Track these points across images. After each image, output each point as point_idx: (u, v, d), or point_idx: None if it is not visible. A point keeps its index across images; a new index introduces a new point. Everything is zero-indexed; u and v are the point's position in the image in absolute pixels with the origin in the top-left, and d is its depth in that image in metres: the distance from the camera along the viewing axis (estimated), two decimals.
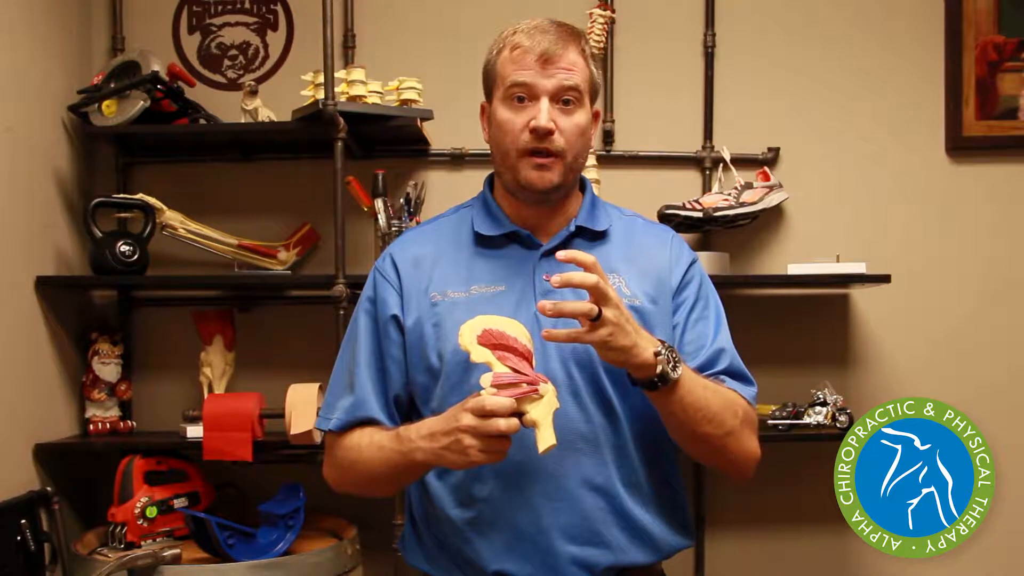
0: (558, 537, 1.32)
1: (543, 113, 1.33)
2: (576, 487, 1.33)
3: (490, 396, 1.19)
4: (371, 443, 1.36)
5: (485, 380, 1.21)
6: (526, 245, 1.41)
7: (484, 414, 1.19)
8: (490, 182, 1.48)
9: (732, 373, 1.40)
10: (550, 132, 1.33)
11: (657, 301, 1.40)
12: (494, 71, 1.40)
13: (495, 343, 1.23)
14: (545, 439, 1.19)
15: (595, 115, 1.43)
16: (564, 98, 1.35)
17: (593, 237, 1.43)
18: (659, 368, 1.24)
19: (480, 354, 1.22)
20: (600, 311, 1.19)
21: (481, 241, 1.43)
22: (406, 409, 1.42)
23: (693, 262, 1.46)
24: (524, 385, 1.20)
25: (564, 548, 1.32)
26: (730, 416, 1.34)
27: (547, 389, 1.22)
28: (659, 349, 1.24)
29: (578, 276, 1.18)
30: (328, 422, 1.42)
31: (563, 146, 1.35)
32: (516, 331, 1.25)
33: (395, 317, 1.41)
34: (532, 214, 1.42)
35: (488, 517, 1.34)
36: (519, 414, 1.20)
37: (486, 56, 1.42)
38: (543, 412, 1.20)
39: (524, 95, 1.35)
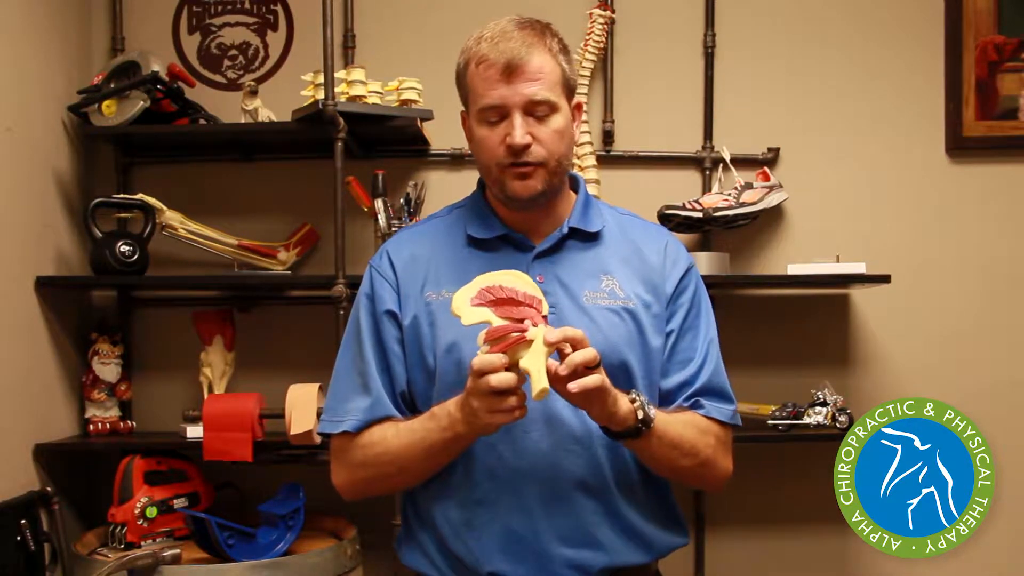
0: (552, 539, 1.32)
1: (517, 130, 1.31)
2: (570, 489, 1.33)
3: (480, 356, 1.19)
4: (399, 431, 1.34)
5: (480, 339, 1.20)
6: (519, 247, 1.41)
7: (476, 374, 1.19)
8: (482, 184, 1.47)
9: (712, 390, 1.41)
10: (527, 146, 1.32)
11: (651, 305, 1.40)
12: (464, 84, 1.38)
13: (494, 299, 1.22)
14: (536, 383, 1.16)
15: (576, 107, 1.41)
16: (536, 112, 1.33)
17: (586, 238, 1.43)
18: (640, 414, 1.27)
19: (472, 315, 1.21)
20: (599, 360, 1.21)
21: (474, 243, 1.42)
22: (409, 406, 1.42)
23: (690, 267, 1.46)
24: (513, 334, 1.18)
25: (558, 550, 1.32)
26: (704, 446, 1.37)
27: (536, 332, 1.19)
28: (632, 396, 1.28)
29: (571, 331, 1.20)
30: (341, 424, 1.38)
31: (543, 156, 1.34)
32: (514, 281, 1.24)
33: (393, 313, 1.40)
34: (524, 217, 1.41)
35: (483, 519, 1.34)
36: (517, 366, 1.19)
37: (456, 68, 1.39)
38: (532, 358, 1.17)
39: (496, 115, 1.34)
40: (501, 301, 1.22)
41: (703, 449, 1.36)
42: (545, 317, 1.23)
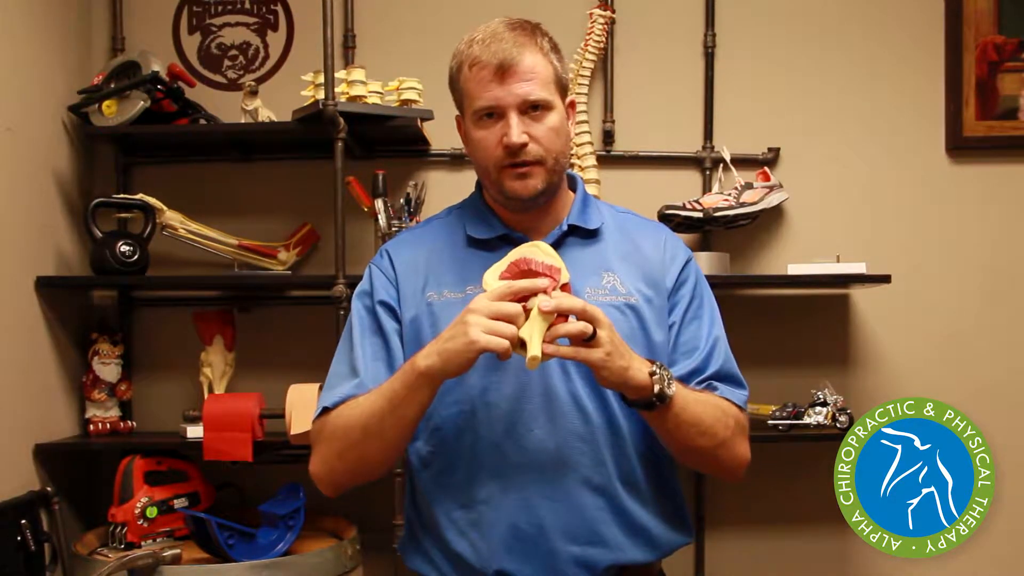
0: (558, 537, 1.32)
1: (513, 129, 1.32)
2: (575, 487, 1.33)
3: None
4: (369, 393, 1.32)
5: None
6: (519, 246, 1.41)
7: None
8: (480, 185, 1.48)
9: (724, 376, 1.40)
10: (524, 145, 1.32)
11: (652, 300, 1.40)
12: (458, 88, 1.39)
13: (520, 272, 1.23)
14: (528, 351, 1.17)
15: (570, 105, 1.42)
16: (531, 112, 1.33)
17: (586, 235, 1.43)
18: (656, 388, 1.25)
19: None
20: (595, 331, 1.20)
21: (474, 243, 1.43)
22: None
23: (688, 260, 1.46)
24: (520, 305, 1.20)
25: (564, 548, 1.32)
26: (722, 428, 1.36)
27: (533, 303, 1.19)
28: (653, 369, 1.26)
29: (567, 303, 1.19)
30: (322, 405, 1.37)
31: (541, 153, 1.34)
32: (534, 252, 1.25)
33: (390, 305, 1.41)
34: (524, 217, 1.42)
35: (488, 518, 1.34)
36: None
37: (448, 71, 1.40)
38: (528, 326, 1.18)
39: (491, 116, 1.34)
40: (522, 273, 1.23)
41: (721, 431, 1.35)
42: (566, 286, 1.23)
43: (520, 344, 1.18)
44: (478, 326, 1.18)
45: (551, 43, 1.38)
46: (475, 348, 1.18)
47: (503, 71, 1.32)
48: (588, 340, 1.20)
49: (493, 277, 1.25)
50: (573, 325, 1.20)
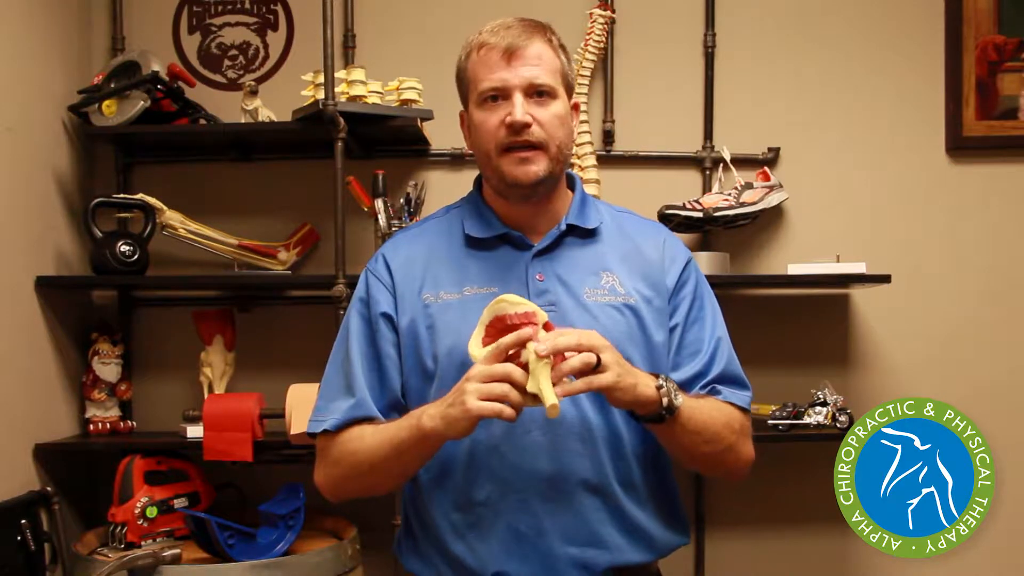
0: (557, 539, 1.32)
1: (517, 107, 1.33)
2: (574, 488, 1.33)
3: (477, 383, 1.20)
4: (376, 430, 1.34)
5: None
6: (517, 246, 1.41)
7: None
8: (479, 184, 1.48)
9: (727, 378, 1.41)
10: (527, 125, 1.33)
11: (651, 301, 1.40)
12: (465, 76, 1.40)
13: (500, 329, 1.23)
14: (544, 401, 1.17)
15: (574, 107, 1.43)
16: (537, 91, 1.35)
17: (584, 235, 1.43)
18: (664, 401, 1.26)
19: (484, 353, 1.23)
20: (599, 358, 1.20)
21: (472, 242, 1.42)
22: (404, 411, 1.41)
23: (688, 261, 1.46)
24: (515, 373, 1.19)
25: (563, 550, 1.32)
26: (728, 432, 1.37)
27: (527, 354, 1.19)
28: (659, 382, 1.27)
29: (563, 341, 1.20)
30: (322, 423, 1.39)
31: (543, 137, 1.34)
32: (503, 306, 1.24)
33: (389, 316, 1.40)
34: (522, 214, 1.42)
35: (487, 520, 1.34)
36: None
37: (457, 64, 1.42)
38: (533, 379, 1.18)
39: (497, 94, 1.35)
40: (503, 331, 1.22)
41: (727, 436, 1.36)
42: (547, 324, 1.22)
43: (533, 398, 1.18)
44: (473, 393, 1.19)
45: (559, 41, 1.41)
46: (470, 416, 1.20)
47: (510, 53, 1.34)
48: (594, 368, 1.20)
49: (476, 346, 1.25)
50: (577, 359, 1.20)
